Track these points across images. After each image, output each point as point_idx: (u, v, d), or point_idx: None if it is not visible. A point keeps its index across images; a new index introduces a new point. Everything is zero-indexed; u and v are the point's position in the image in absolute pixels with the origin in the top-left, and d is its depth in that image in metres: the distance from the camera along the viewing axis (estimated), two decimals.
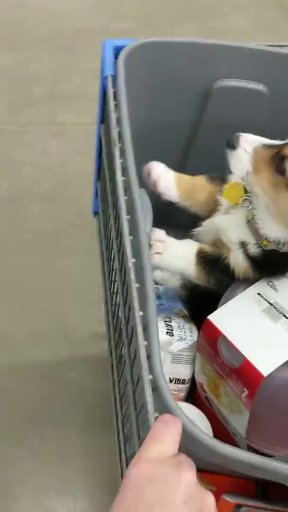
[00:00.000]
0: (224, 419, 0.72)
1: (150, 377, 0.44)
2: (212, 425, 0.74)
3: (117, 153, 0.64)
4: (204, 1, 2.31)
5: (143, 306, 0.50)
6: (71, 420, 1.10)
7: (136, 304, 0.49)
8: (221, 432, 0.73)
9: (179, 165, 0.97)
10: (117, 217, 0.65)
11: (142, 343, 0.46)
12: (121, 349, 0.69)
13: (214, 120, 0.90)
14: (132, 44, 0.79)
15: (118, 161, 0.64)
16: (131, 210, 0.60)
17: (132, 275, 0.52)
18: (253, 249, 0.71)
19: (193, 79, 0.85)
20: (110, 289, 0.85)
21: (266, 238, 0.69)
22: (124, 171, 0.64)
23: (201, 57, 0.83)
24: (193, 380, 0.79)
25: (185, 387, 0.78)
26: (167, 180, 0.77)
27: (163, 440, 0.42)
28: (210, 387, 0.72)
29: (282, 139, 0.68)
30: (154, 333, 0.47)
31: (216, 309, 0.74)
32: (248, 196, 0.73)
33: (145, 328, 0.49)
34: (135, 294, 0.50)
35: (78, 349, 1.20)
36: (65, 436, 1.07)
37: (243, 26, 2.14)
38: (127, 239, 0.55)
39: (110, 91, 0.74)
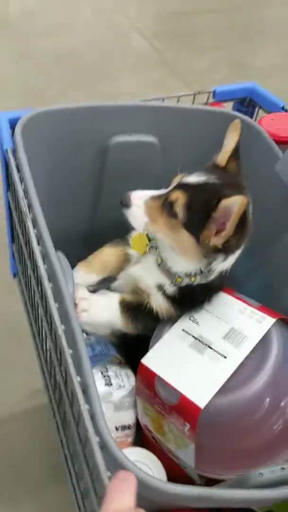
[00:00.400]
0: (173, 454, 0.75)
1: (98, 439, 0.47)
2: (162, 462, 0.76)
3: (29, 224, 0.67)
4: (92, 67, 2.49)
5: (79, 371, 0.52)
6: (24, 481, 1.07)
7: (72, 370, 0.52)
8: (172, 466, 0.77)
9: (90, 221, 1.03)
10: (39, 283, 0.68)
11: (84, 407, 0.49)
12: (64, 409, 0.71)
13: (115, 174, 0.96)
14: (27, 115, 0.83)
15: (32, 232, 0.66)
16: (52, 276, 0.63)
17: (64, 343, 0.54)
18: (170, 289, 0.78)
19: (90, 139, 0.91)
20: (43, 349, 0.86)
21: (178, 275, 0.76)
22: (39, 239, 0.67)
23: (94, 118, 0.89)
24: (137, 422, 0.82)
25: (131, 432, 0.80)
26: (80, 278, 0.82)
27: (121, 496, 0.44)
28: (155, 427, 0.76)
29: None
30: (94, 395, 0.50)
31: (147, 350, 0.80)
32: (153, 243, 0.80)
33: (85, 391, 0.51)
34: (69, 360, 0.53)
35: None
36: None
37: (133, 86, 2.32)
38: (54, 307, 0.58)
39: (12, 163, 0.77)
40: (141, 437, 0.84)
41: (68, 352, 0.54)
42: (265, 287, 0.91)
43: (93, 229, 1.04)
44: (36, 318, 0.92)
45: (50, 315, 0.62)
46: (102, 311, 0.76)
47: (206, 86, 1.04)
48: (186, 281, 0.76)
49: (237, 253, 0.74)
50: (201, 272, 0.74)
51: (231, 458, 0.72)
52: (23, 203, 0.70)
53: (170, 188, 0.74)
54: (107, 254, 0.85)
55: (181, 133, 0.95)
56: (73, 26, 2.84)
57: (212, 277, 0.75)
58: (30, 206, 0.70)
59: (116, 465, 0.48)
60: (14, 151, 0.79)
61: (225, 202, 0.66)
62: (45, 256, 0.64)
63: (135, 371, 0.84)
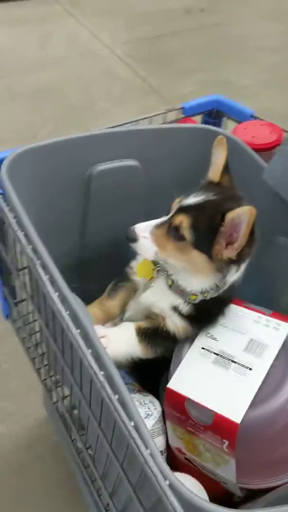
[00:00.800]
0: (211, 472, 0.76)
1: (167, 482, 0.47)
2: (200, 482, 0.77)
3: (40, 270, 0.66)
4: (78, 103, 2.46)
5: (129, 414, 0.52)
6: None
7: (124, 417, 0.52)
8: (208, 484, 0.77)
9: (80, 250, 1.02)
10: (62, 331, 0.67)
11: (146, 452, 0.49)
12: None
13: (100, 202, 0.96)
14: (12, 154, 0.82)
15: (44, 278, 0.65)
16: (76, 321, 0.62)
17: (109, 389, 0.54)
18: (185, 308, 0.79)
19: (74, 171, 0.91)
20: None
21: (193, 293, 0.77)
22: (53, 283, 0.66)
23: (75, 150, 0.89)
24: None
25: (163, 457, 0.80)
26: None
27: None
28: (189, 448, 0.76)
29: (160, 208, 0.79)
30: (147, 435, 0.50)
31: (161, 370, 0.80)
32: (159, 266, 0.81)
33: (138, 431, 0.51)
34: (118, 406, 0.52)
35: None
36: None
37: (124, 116, 2.33)
38: (87, 353, 0.57)
39: (5, 209, 0.76)
40: (171, 463, 0.84)
41: (115, 398, 0.53)
42: (264, 291, 0.93)
43: (83, 257, 1.04)
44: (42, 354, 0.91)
45: (87, 364, 0.59)
46: (121, 344, 0.76)
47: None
48: (200, 298, 0.77)
49: (247, 261, 0.76)
50: (217, 286, 0.75)
51: (269, 466, 0.74)
52: (29, 251, 0.69)
53: (171, 213, 0.75)
54: (111, 307, 0.85)
55: (160, 152, 0.96)
56: (51, 61, 2.81)
57: (225, 288, 0.76)
58: (35, 251, 0.69)
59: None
60: (3, 195, 0.78)
61: (231, 215, 0.68)
62: (64, 301, 0.63)
63: (152, 394, 0.85)
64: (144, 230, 0.75)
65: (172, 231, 0.73)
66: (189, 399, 0.72)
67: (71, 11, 3.39)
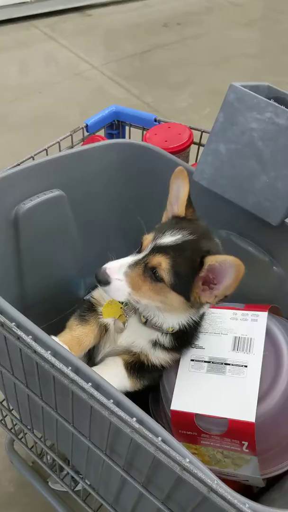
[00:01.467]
0: (231, 475, 0.76)
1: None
2: None
3: (31, 342, 0.60)
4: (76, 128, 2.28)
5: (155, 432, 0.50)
6: None
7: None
8: (230, 485, 0.77)
9: (19, 294, 0.95)
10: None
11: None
12: None
13: (32, 238, 0.91)
14: None
15: (36, 347, 0.60)
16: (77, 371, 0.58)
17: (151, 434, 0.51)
18: (165, 339, 0.77)
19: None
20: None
21: (170, 328, 0.76)
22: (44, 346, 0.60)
23: (1, 191, 0.82)
24: None
25: None
26: None
27: None
28: (205, 461, 0.75)
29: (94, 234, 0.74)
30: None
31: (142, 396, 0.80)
32: (126, 305, 0.78)
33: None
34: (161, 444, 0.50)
35: None
36: None
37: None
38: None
39: None
40: None
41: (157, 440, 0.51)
42: None
43: (27, 305, 0.97)
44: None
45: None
46: (112, 382, 0.72)
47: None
48: (177, 328, 0.76)
49: None
50: (192, 318, 0.75)
51: (284, 452, 0.76)
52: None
53: (146, 251, 0.71)
54: (83, 335, 0.79)
55: (81, 175, 0.93)
56: (39, 87, 2.61)
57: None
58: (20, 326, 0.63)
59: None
60: None
61: (211, 261, 0.66)
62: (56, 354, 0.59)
63: None
64: (117, 271, 0.69)
65: (148, 272, 0.69)
66: (197, 415, 0.71)
67: (51, 35, 3.21)
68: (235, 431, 0.69)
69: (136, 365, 0.77)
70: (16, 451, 1.31)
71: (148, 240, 0.71)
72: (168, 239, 0.70)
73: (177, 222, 0.74)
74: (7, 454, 1.32)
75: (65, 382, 0.59)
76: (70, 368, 0.58)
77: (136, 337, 0.78)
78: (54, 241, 0.94)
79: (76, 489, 1.22)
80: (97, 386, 0.57)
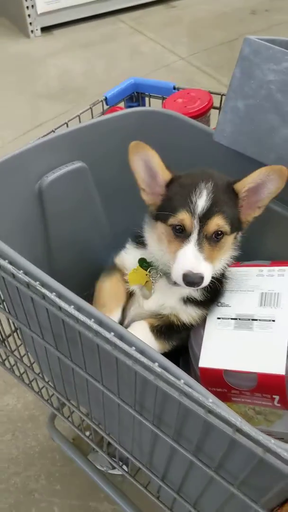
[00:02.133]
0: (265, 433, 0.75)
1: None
2: None
3: (44, 290, 0.62)
4: None
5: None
6: None
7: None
8: None
9: (47, 261, 0.97)
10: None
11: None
12: None
13: (56, 209, 0.92)
14: None
15: (52, 295, 0.61)
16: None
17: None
18: (197, 294, 0.77)
19: (23, 188, 0.86)
20: None
21: None
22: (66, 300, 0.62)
23: (20, 166, 0.84)
24: None
25: None
26: None
27: None
28: None
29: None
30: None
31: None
32: (152, 268, 0.79)
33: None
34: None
35: None
36: None
37: None
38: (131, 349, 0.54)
39: None
40: None
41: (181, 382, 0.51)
42: (245, 245, 0.94)
43: (54, 268, 0.98)
44: None
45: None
46: None
47: None
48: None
49: None
50: (226, 264, 0.77)
51: None
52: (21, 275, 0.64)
53: (195, 229, 0.70)
54: (121, 294, 0.81)
55: (101, 146, 0.94)
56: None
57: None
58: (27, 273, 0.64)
59: None
60: None
61: (240, 189, 0.72)
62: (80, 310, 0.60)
63: None
64: (198, 264, 0.69)
65: (213, 239, 0.71)
66: (225, 371, 0.71)
67: (137, 28, 3.29)
68: (265, 385, 0.68)
69: (163, 328, 0.77)
70: (56, 428, 1.34)
71: (187, 218, 0.70)
72: (201, 202, 0.70)
73: (183, 185, 0.73)
74: (48, 431, 1.36)
75: (89, 335, 0.60)
76: (92, 320, 0.59)
77: (165, 299, 0.78)
78: (79, 214, 0.95)
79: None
80: (121, 337, 0.58)
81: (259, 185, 0.70)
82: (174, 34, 3.25)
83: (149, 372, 0.55)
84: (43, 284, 0.64)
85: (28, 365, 0.97)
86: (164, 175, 0.75)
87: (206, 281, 0.69)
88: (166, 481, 0.76)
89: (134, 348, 0.55)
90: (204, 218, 0.69)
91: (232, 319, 0.75)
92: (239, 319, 0.74)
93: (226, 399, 0.73)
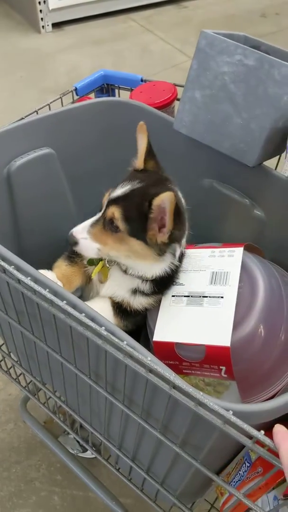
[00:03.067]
0: None
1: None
2: None
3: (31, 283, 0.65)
4: None
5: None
6: None
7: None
8: None
9: (16, 241, 1.00)
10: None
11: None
12: None
13: (24, 197, 0.96)
14: None
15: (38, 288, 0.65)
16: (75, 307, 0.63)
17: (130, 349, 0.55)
18: (145, 286, 0.82)
19: None
20: None
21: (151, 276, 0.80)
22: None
23: None
24: None
25: None
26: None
27: None
28: None
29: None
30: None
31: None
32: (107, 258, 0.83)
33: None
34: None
35: None
36: None
37: None
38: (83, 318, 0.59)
39: None
40: None
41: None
42: (204, 228, 0.98)
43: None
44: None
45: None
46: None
47: None
48: (160, 274, 0.80)
49: (186, 233, 0.80)
50: (172, 264, 0.79)
51: (263, 379, 0.79)
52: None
53: (103, 208, 0.77)
54: (72, 274, 0.85)
55: (69, 134, 0.98)
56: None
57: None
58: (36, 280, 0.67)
59: None
60: None
61: (156, 201, 0.70)
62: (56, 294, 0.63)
63: None
64: (81, 232, 0.77)
65: (108, 225, 0.75)
66: (177, 343, 0.75)
67: (147, 27, 3.29)
68: (213, 356, 0.73)
69: (122, 308, 0.82)
70: (28, 411, 1.38)
71: (105, 198, 0.78)
72: (119, 191, 0.76)
73: (131, 175, 0.79)
74: (19, 414, 1.39)
75: (45, 305, 0.64)
76: (47, 290, 0.63)
77: (117, 288, 0.83)
78: (47, 199, 0.99)
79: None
80: (74, 305, 0.62)
81: (164, 206, 0.70)
82: (184, 34, 3.29)
83: (97, 337, 0.59)
84: (3, 258, 0.68)
85: (7, 352, 1.01)
86: (138, 162, 0.80)
87: (84, 252, 0.78)
88: (122, 450, 0.80)
89: (84, 314, 0.60)
90: (109, 203, 0.75)
91: (184, 296, 0.79)
92: (191, 296, 0.79)
93: (178, 371, 0.77)
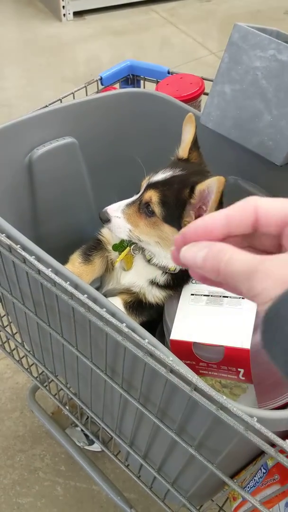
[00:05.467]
0: None
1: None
2: None
3: (24, 253, 0.64)
4: None
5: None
6: None
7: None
8: None
9: (34, 229, 0.99)
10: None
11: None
12: None
13: (44, 185, 0.95)
14: None
15: (54, 277, 0.64)
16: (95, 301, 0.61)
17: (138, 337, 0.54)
18: (162, 279, 0.81)
19: (13, 159, 0.88)
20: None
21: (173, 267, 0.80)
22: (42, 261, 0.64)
23: (13, 137, 0.86)
24: None
25: None
26: None
27: None
28: None
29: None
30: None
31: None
32: (134, 244, 0.83)
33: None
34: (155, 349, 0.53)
35: None
36: None
37: None
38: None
39: None
40: None
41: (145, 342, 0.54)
42: None
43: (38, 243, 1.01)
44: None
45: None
46: None
47: None
48: (179, 267, 0.79)
49: None
50: None
51: (280, 384, 0.78)
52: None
53: (141, 191, 0.77)
54: (84, 273, 0.84)
55: (93, 124, 0.96)
56: None
57: None
58: (10, 237, 0.67)
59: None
60: None
61: (200, 187, 0.69)
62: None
63: None
64: (116, 210, 0.76)
65: (143, 208, 0.75)
66: (195, 343, 0.74)
67: (169, 19, 3.28)
68: (231, 358, 0.71)
69: (135, 304, 0.81)
70: (36, 401, 1.37)
71: (144, 181, 0.77)
72: (159, 176, 0.75)
73: (174, 163, 0.78)
74: (27, 403, 1.39)
75: (65, 297, 0.63)
76: (68, 282, 0.61)
77: (138, 277, 0.82)
78: (67, 189, 0.98)
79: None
80: (94, 299, 0.61)
81: (208, 192, 0.69)
82: (206, 28, 3.26)
83: (118, 334, 0.58)
84: (24, 248, 0.66)
85: (20, 342, 1.00)
86: (181, 151, 0.80)
87: (115, 231, 0.78)
88: (134, 447, 0.79)
89: (105, 309, 0.58)
90: (149, 188, 0.75)
91: (204, 295, 0.78)
92: (211, 295, 0.77)
93: (194, 372, 0.76)
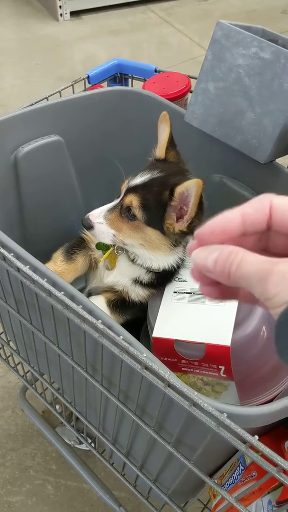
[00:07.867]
0: None
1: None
2: None
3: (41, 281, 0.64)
4: None
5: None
6: None
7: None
8: None
9: (20, 227, 0.99)
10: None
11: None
12: None
13: (31, 184, 0.94)
14: None
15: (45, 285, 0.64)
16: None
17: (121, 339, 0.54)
18: (146, 277, 0.81)
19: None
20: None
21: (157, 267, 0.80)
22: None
23: (0, 134, 0.86)
24: None
25: None
26: None
27: None
28: None
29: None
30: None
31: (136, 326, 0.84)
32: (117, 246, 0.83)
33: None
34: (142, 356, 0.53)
35: None
36: None
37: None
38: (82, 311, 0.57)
39: None
40: None
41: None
42: None
43: (26, 240, 1.01)
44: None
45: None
46: None
47: None
48: (165, 267, 0.80)
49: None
50: (180, 258, 0.78)
51: (262, 382, 0.78)
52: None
53: (122, 195, 0.77)
54: (66, 272, 0.83)
55: (79, 122, 0.96)
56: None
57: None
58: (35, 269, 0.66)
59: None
60: None
61: (179, 189, 0.70)
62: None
63: None
64: (98, 216, 0.76)
65: (125, 212, 0.75)
66: (176, 340, 0.74)
67: (167, 19, 3.28)
68: (212, 355, 0.71)
69: (118, 302, 0.81)
70: (27, 400, 1.37)
71: (124, 185, 0.77)
72: (138, 179, 0.75)
73: (152, 164, 0.78)
74: (18, 403, 1.39)
75: (43, 295, 0.63)
76: (45, 280, 0.61)
77: (121, 276, 0.83)
78: (54, 187, 0.98)
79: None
80: (71, 296, 0.61)
81: (187, 194, 0.69)
82: (204, 27, 3.24)
83: (94, 331, 0.58)
84: (3, 246, 0.66)
85: (6, 341, 1.00)
86: (158, 151, 0.80)
87: (98, 237, 0.77)
88: (117, 445, 0.79)
89: (81, 307, 0.58)
90: (129, 192, 0.75)
91: (187, 293, 0.78)
92: (193, 293, 0.77)
93: (176, 369, 0.76)
